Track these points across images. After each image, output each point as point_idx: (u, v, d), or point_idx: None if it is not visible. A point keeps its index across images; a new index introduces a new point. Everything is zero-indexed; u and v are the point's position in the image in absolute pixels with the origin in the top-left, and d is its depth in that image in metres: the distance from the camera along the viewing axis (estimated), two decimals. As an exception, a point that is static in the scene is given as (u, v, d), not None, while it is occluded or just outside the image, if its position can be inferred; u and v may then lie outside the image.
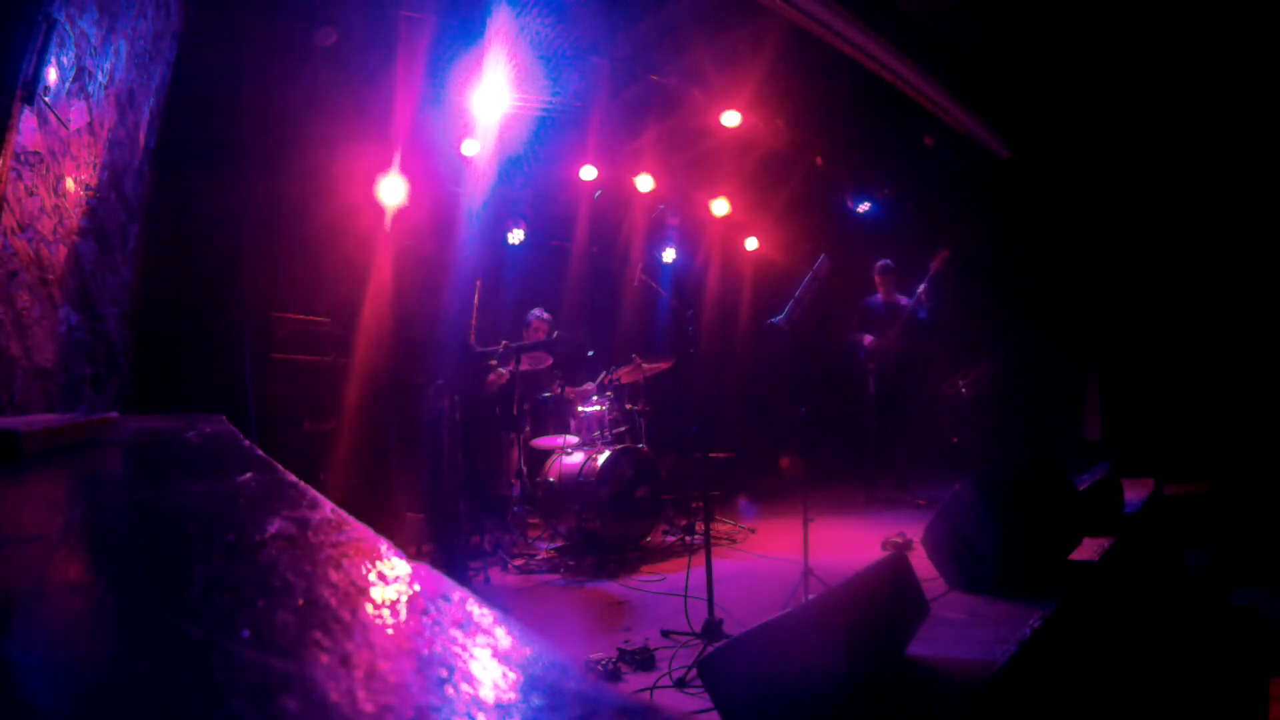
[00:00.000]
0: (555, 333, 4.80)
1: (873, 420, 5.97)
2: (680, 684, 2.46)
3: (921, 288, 5.79)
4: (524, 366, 4.65)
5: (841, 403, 6.26)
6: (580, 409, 4.90)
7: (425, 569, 0.46)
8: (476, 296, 4.53)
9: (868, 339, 5.90)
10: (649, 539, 4.68)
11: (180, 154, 3.32)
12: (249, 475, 0.76)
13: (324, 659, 0.33)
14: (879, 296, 6.06)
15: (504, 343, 4.48)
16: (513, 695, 0.32)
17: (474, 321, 4.59)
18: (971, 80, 5.68)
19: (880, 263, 6.08)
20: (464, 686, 0.32)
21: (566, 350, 4.87)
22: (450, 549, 3.90)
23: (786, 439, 6.85)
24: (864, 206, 7.36)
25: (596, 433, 4.82)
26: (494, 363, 4.73)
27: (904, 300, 5.94)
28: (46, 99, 2.14)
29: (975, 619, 1.96)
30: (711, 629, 2.88)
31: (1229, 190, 5.86)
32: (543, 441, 5.00)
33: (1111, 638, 2.38)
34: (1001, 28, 5.13)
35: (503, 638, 0.37)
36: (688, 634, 2.91)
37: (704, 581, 3.02)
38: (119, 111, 2.67)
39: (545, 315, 5.24)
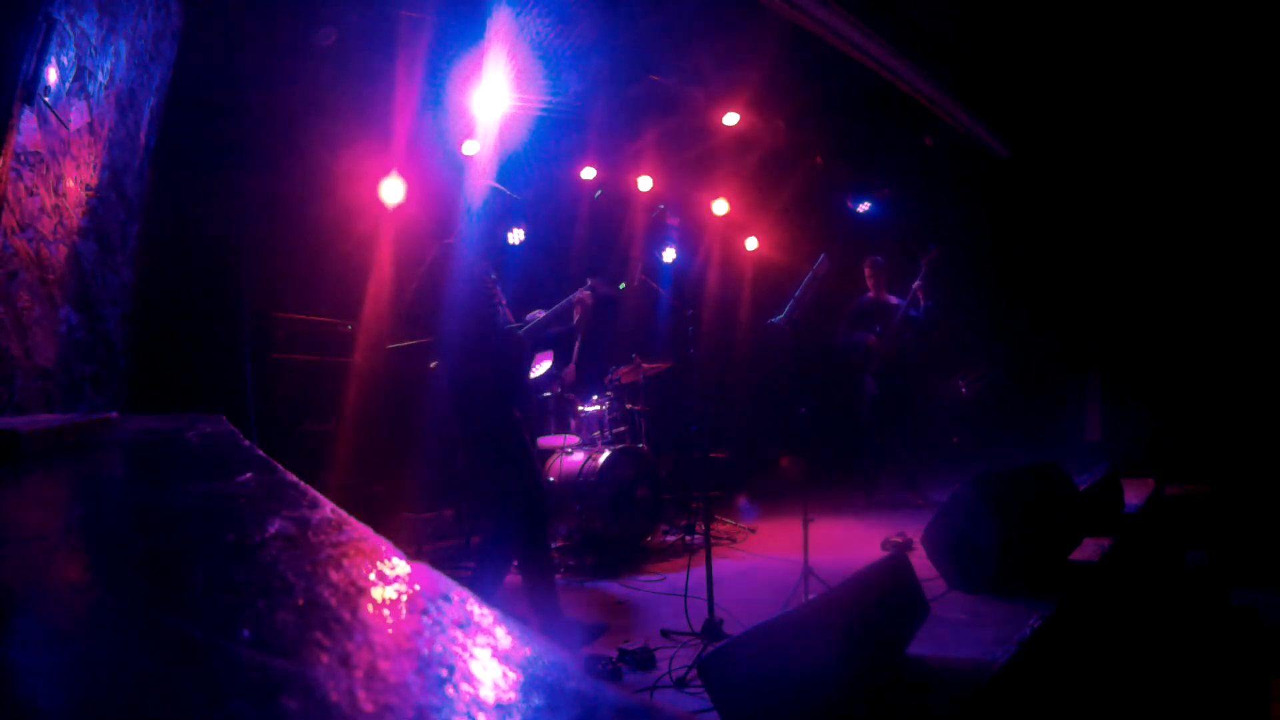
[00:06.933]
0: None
1: (872, 420, 5.97)
2: (680, 684, 2.46)
3: (916, 285, 5.77)
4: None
5: (841, 403, 6.26)
6: (580, 409, 4.90)
7: (425, 569, 0.46)
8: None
9: (871, 339, 5.88)
10: (649, 539, 4.67)
11: (180, 154, 3.32)
12: (249, 475, 0.76)
13: (324, 659, 0.33)
14: (869, 294, 6.03)
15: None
16: (513, 695, 0.32)
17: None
18: (971, 80, 5.68)
19: (870, 259, 6.04)
20: (464, 686, 0.32)
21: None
22: (548, 599, 2.97)
23: (786, 439, 6.87)
24: (864, 206, 7.37)
25: (596, 433, 4.82)
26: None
27: (894, 299, 5.92)
28: (47, 99, 2.13)
29: (975, 619, 1.96)
30: (711, 629, 2.88)
31: (1228, 190, 5.86)
32: (543, 441, 4.99)
33: (1111, 638, 2.38)
34: (1001, 28, 5.13)
35: (503, 638, 0.37)
36: (688, 634, 2.91)
37: (704, 581, 3.02)
38: (119, 111, 2.67)
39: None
